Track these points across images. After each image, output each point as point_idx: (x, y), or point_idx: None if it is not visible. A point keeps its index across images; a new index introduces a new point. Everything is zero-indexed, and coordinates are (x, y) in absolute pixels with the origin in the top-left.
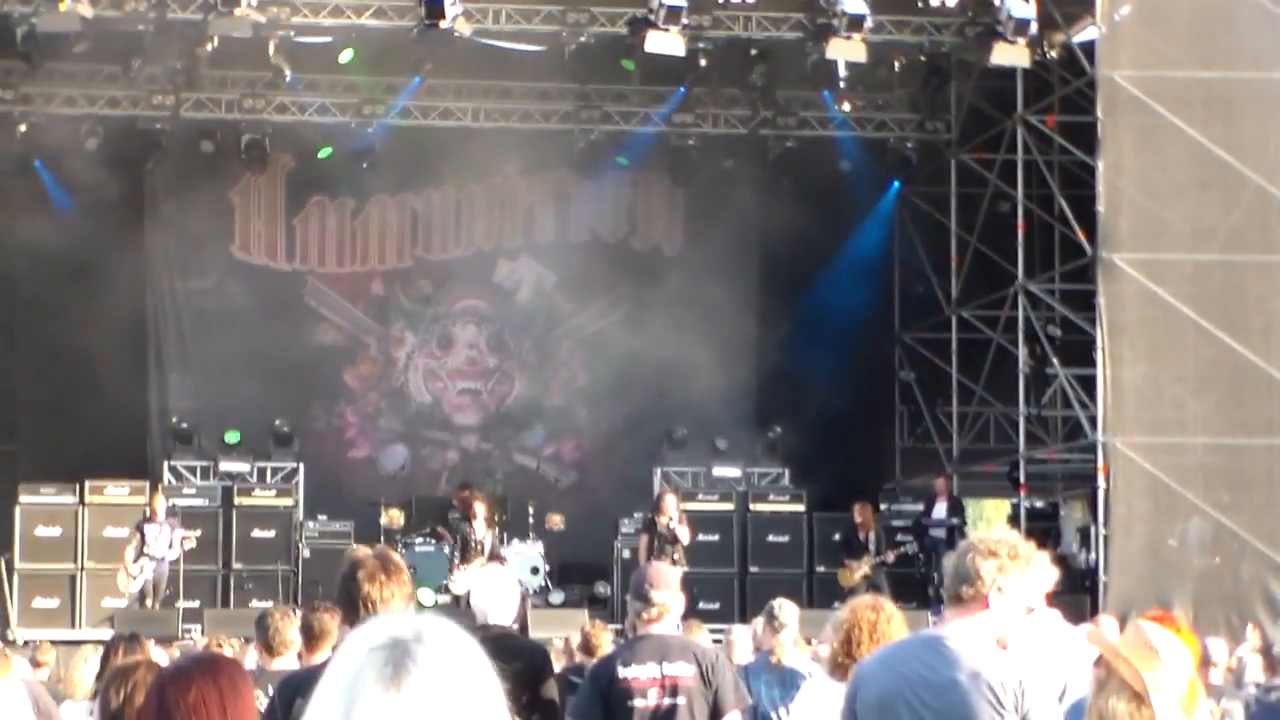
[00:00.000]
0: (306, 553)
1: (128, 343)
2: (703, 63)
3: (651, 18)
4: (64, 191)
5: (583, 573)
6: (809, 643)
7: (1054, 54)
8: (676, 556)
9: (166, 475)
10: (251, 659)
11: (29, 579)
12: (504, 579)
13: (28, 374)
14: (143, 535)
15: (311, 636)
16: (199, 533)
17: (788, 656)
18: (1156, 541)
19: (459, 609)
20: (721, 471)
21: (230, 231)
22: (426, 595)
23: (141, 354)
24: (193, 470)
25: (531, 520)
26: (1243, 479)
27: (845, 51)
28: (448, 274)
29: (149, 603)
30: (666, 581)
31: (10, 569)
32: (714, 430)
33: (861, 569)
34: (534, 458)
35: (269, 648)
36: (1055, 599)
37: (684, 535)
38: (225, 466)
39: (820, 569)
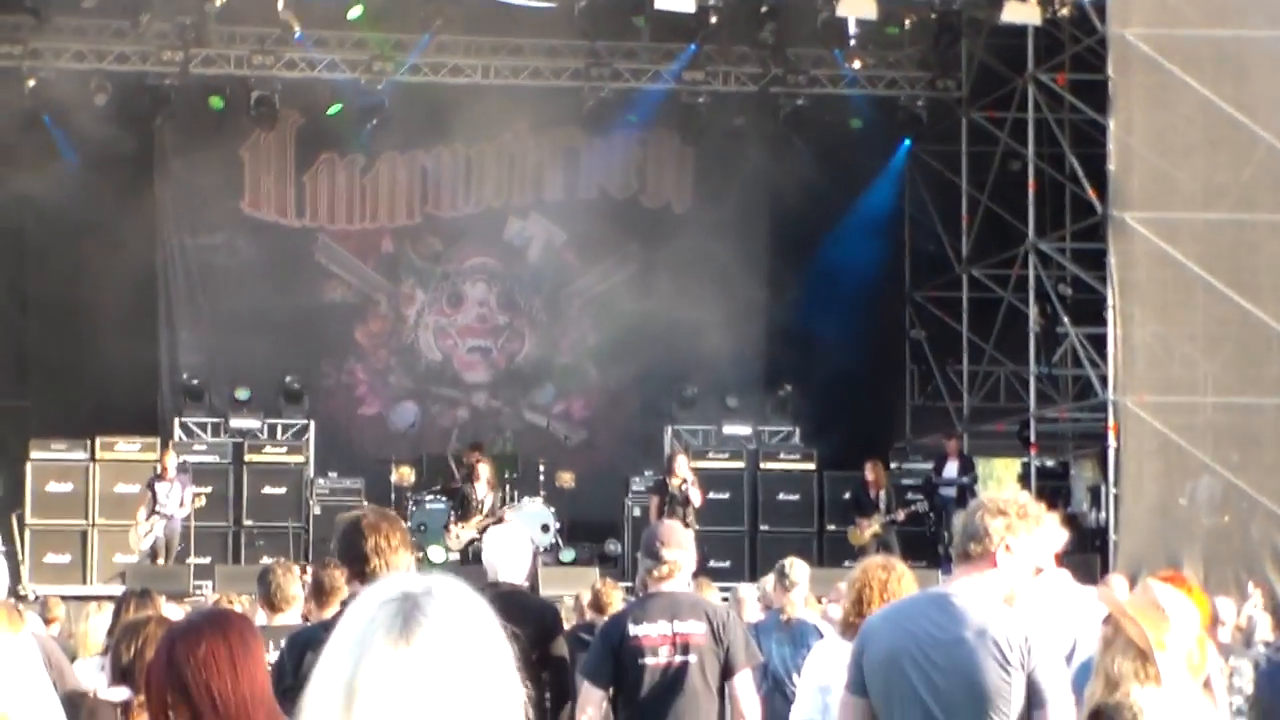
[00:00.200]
0: (317, 509)
1: (138, 299)
2: (713, 20)
3: None
4: (73, 147)
5: (593, 530)
6: (820, 601)
7: (1065, 11)
8: (688, 518)
9: (177, 432)
10: (262, 617)
11: (40, 535)
12: (515, 536)
13: (38, 330)
14: (154, 493)
15: (322, 593)
16: (210, 489)
17: (798, 615)
18: (1166, 501)
19: (463, 566)
20: (732, 430)
21: (240, 188)
22: (437, 552)
23: (152, 310)
24: (203, 427)
25: (542, 478)
26: (1253, 438)
27: (856, 8)
28: (457, 231)
29: (160, 560)
30: (678, 540)
31: (22, 525)
32: (724, 388)
33: (872, 527)
34: (544, 415)
35: (270, 603)
36: (1065, 558)
37: (695, 497)
38: (236, 423)
39: (830, 527)
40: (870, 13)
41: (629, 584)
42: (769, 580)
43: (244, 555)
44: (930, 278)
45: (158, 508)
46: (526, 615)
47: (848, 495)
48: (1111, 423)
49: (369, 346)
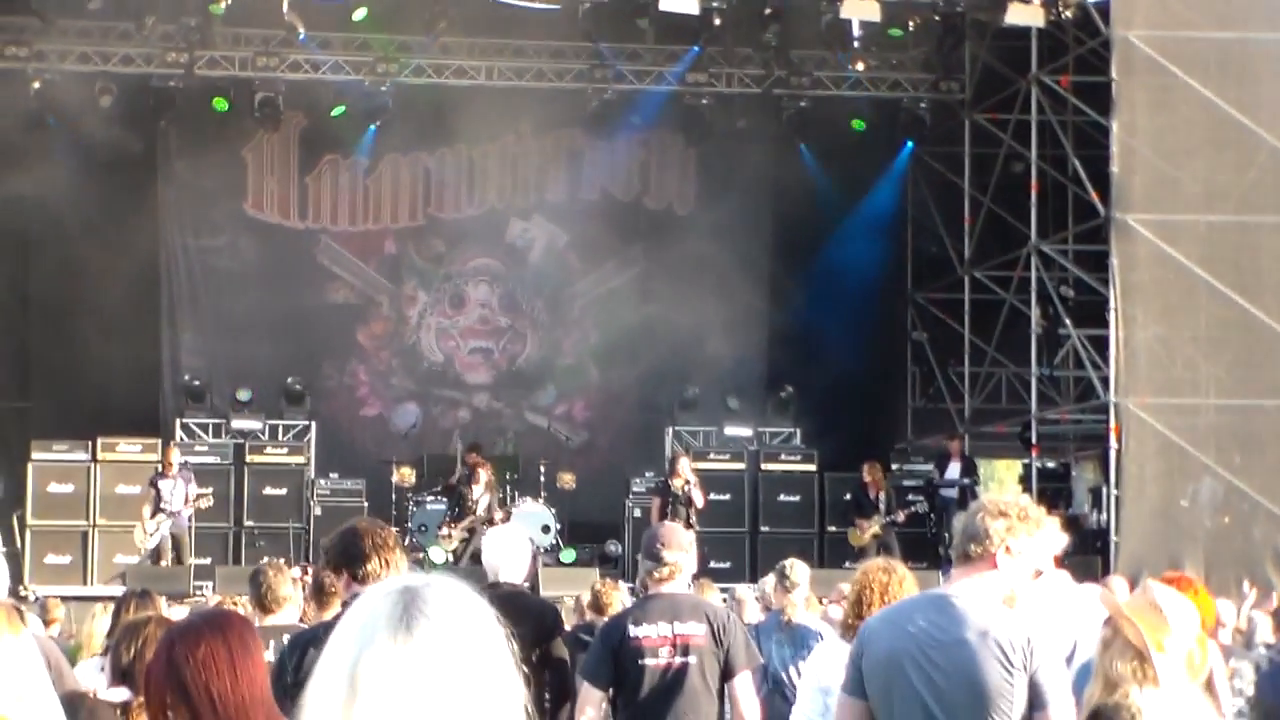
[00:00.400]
0: (318, 510)
1: (140, 300)
2: (716, 22)
3: None
4: (77, 149)
5: (593, 531)
6: (820, 602)
7: (1068, 14)
8: (691, 520)
9: (179, 432)
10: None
11: (41, 535)
12: (515, 537)
13: (40, 331)
14: (158, 490)
15: (322, 594)
16: (211, 490)
17: (799, 616)
18: (1168, 502)
19: (459, 567)
20: (733, 431)
21: (243, 189)
22: (438, 553)
23: (154, 311)
24: (205, 428)
25: (543, 479)
26: (1254, 440)
27: (859, 11)
28: (460, 233)
29: (165, 561)
30: (678, 541)
31: (23, 525)
32: (725, 389)
33: (872, 529)
34: (545, 417)
35: (262, 604)
36: (1066, 560)
37: (698, 499)
38: (237, 424)
39: (831, 529)
40: (873, 15)
41: (629, 585)
42: (769, 581)
43: (245, 556)
44: (932, 279)
45: (162, 505)
46: (527, 615)
47: (848, 496)
48: (1113, 424)
49: (371, 348)
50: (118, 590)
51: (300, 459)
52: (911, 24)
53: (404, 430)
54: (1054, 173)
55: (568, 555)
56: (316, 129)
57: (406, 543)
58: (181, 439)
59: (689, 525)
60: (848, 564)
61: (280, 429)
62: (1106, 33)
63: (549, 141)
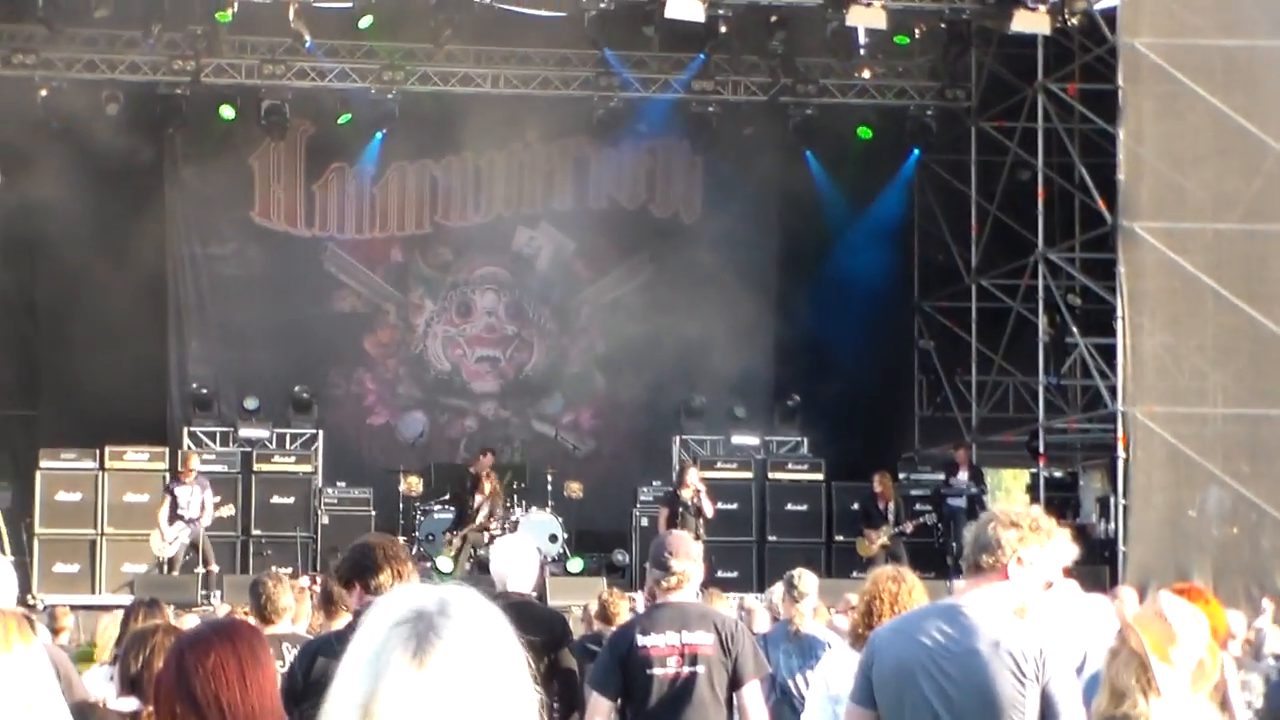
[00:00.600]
0: (325, 519)
1: (148, 308)
2: (723, 29)
3: None
4: (84, 157)
5: (601, 540)
6: (830, 612)
7: (1075, 21)
8: (699, 530)
9: (186, 441)
10: None
11: (49, 544)
12: (522, 546)
13: (48, 339)
14: (174, 497)
15: (331, 602)
16: (218, 499)
17: (807, 626)
18: (1176, 512)
19: (472, 575)
20: (740, 440)
21: (250, 198)
22: (445, 562)
23: (161, 320)
24: (212, 436)
25: (550, 488)
26: (1263, 449)
27: (865, 18)
28: (467, 241)
29: (176, 570)
30: (686, 550)
31: (31, 534)
32: (733, 398)
33: (880, 539)
34: (552, 425)
35: (262, 614)
36: (1074, 569)
37: (708, 508)
38: (245, 433)
39: (839, 538)
40: (880, 23)
41: (636, 594)
42: (777, 591)
43: (252, 565)
44: (939, 288)
45: (179, 511)
46: (535, 625)
47: (856, 506)
48: (1120, 433)
49: (378, 356)
50: (126, 599)
51: (307, 468)
52: (918, 31)
53: (411, 439)
54: (1061, 181)
55: (575, 564)
56: (323, 137)
57: (414, 552)
58: (189, 447)
59: (697, 535)
60: (855, 574)
61: (287, 437)
62: (1113, 40)
63: (555, 149)
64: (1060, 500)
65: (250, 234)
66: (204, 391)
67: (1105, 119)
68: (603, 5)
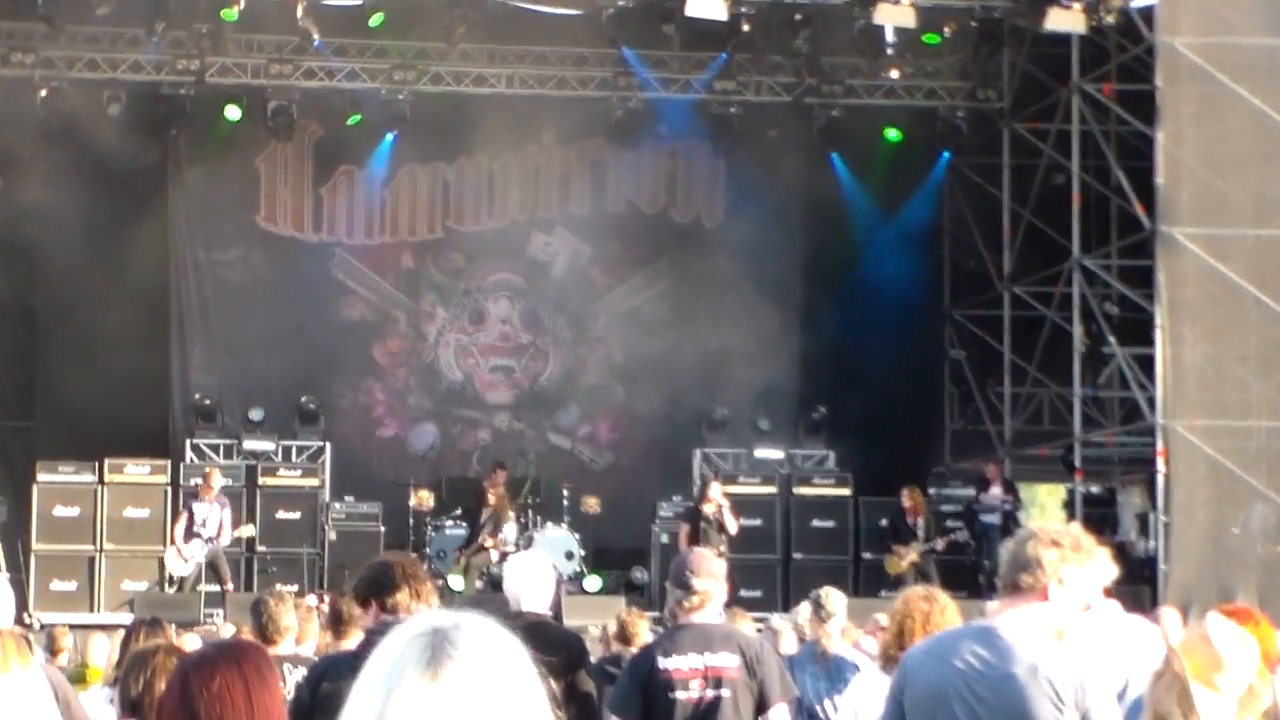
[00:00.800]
0: (333, 535)
1: (149, 316)
2: (745, 27)
3: None
4: (84, 159)
5: (619, 558)
6: (857, 631)
7: (1111, 19)
8: (722, 547)
9: (189, 453)
10: None
11: (46, 561)
12: (538, 564)
13: (45, 347)
14: (191, 513)
15: (340, 622)
16: (229, 512)
17: (835, 647)
18: (1218, 529)
19: (484, 594)
20: (764, 453)
21: (256, 201)
22: (458, 580)
23: (163, 327)
24: (215, 448)
25: (566, 503)
26: None
27: (893, 16)
28: (480, 246)
29: (187, 589)
30: (709, 568)
31: (27, 550)
32: (756, 410)
33: (910, 556)
34: (568, 438)
35: (264, 634)
36: (1113, 589)
37: (731, 525)
38: (249, 445)
39: (866, 556)
40: (908, 20)
41: (656, 614)
42: (804, 611)
43: (257, 582)
44: (970, 296)
45: (196, 529)
46: (551, 647)
47: (884, 522)
48: (1160, 447)
49: (388, 366)
50: (126, 618)
51: (314, 481)
52: (948, 30)
53: (422, 452)
54: (1097, 184)
55: (592, 583)
56: (331, 138)
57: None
58: (191, 460)
59: (719, 553)
60: (884, 593)
61: (293, 450)
62: (1150, 39)
63: (572, 152)
64: (1098, 517)
65: (256, 239)
66: (207, 402)
67: (1143, 121)
68: (621, 3)
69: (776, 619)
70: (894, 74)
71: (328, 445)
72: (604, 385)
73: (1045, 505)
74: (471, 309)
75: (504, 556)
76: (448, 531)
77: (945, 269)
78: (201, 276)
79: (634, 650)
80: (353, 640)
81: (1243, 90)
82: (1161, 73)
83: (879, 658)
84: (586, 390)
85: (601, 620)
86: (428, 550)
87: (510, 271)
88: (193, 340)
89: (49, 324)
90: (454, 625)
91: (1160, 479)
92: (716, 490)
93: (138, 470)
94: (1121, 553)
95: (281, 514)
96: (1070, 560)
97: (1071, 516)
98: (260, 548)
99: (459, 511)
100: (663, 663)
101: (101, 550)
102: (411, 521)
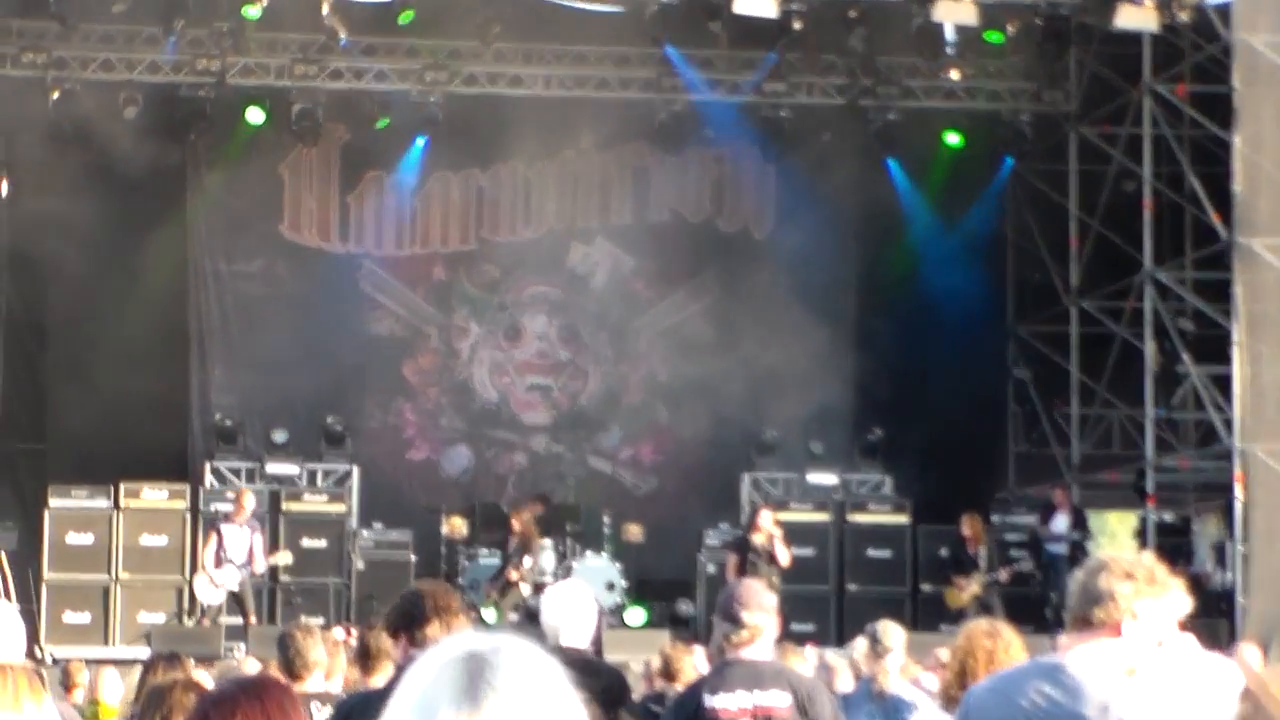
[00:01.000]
0: (360, 564)
1: (166, 331)
2: (797, 26)
3: None
4: (99, 165)
5: (663, 589)
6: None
7: (1185, 16)
8: (773, 579)
9: (209, 477)
10: None
11: (58, 591)
12: (579, 595)
13: (57, 365)
14: (220, 536)
15: (367, 657)
16: (259, 536)
17: (893, 685)
18: None
19: (521, 627)
20: (816, 478)
21: (279, 210)
22: (491, 614)
23: (182, 344)
24: (236, 472)
25: (607, 531)
26: None
27: (954, 14)
28: (516, 258)
29: (209, 619)
30: (759, 601)
31: (38, 580)
32: (808, 432)
33: (971, 588)
34: (610, 461)
35: (291, 670)
36: (1189, 624)
37: (783, 555)
38: (272, 468)
39: (925, 588)
40: (970, 18)
41: (703, 649)
42: (859, 646)
43: (280, 614)
44: (1036, 311)
45: (224, 555)
46: (591, 684)
47: (944, 552)
48: (1238, 472)
49: (418, 384)
50: (142, 652)
51: (341, 507)
52: (1011, 28)
53: (455, 476)
54: (1170, 192)
55: (635, 616)
56: (359, 143)
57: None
58: (211, 485)
59: (771, 585)
60: (943, 627)
61: (319, 474)
62: (1227, 37)
63: (613, 157)
64: (1171, 547)
65: (279, 249)
66: (228, 423)
67: (1219, 124)
68: None
69: (830, 655)
70: (954, 75)
71: (355, 469)
72: (647, 405)
73: (1115, 534)
74: (507, 324)
75: (538, 588)
76: (482, 561)
77: (1009, 282)
78: (222, 289)
79: (679, 688)
80: (382, 676)
81: None
82: (1239, 73)
83: (939, 696)
84: (628, 411)
85: (644, 655)
86: (461, 580)
87: (548, 284)
88: (212, 357)
89: (60, 340)
90: (492, 650)
91: (1238, 506)
92: (767, 519)
93: (155, 495)
94: (1197, 585)
95: (306, 542)
96: (1144, 594)
97: (1144, 546)
98: (284, 578)
99: (495, 540)
100: (709, 701)
101: (116, 580)
102: (444, 550)
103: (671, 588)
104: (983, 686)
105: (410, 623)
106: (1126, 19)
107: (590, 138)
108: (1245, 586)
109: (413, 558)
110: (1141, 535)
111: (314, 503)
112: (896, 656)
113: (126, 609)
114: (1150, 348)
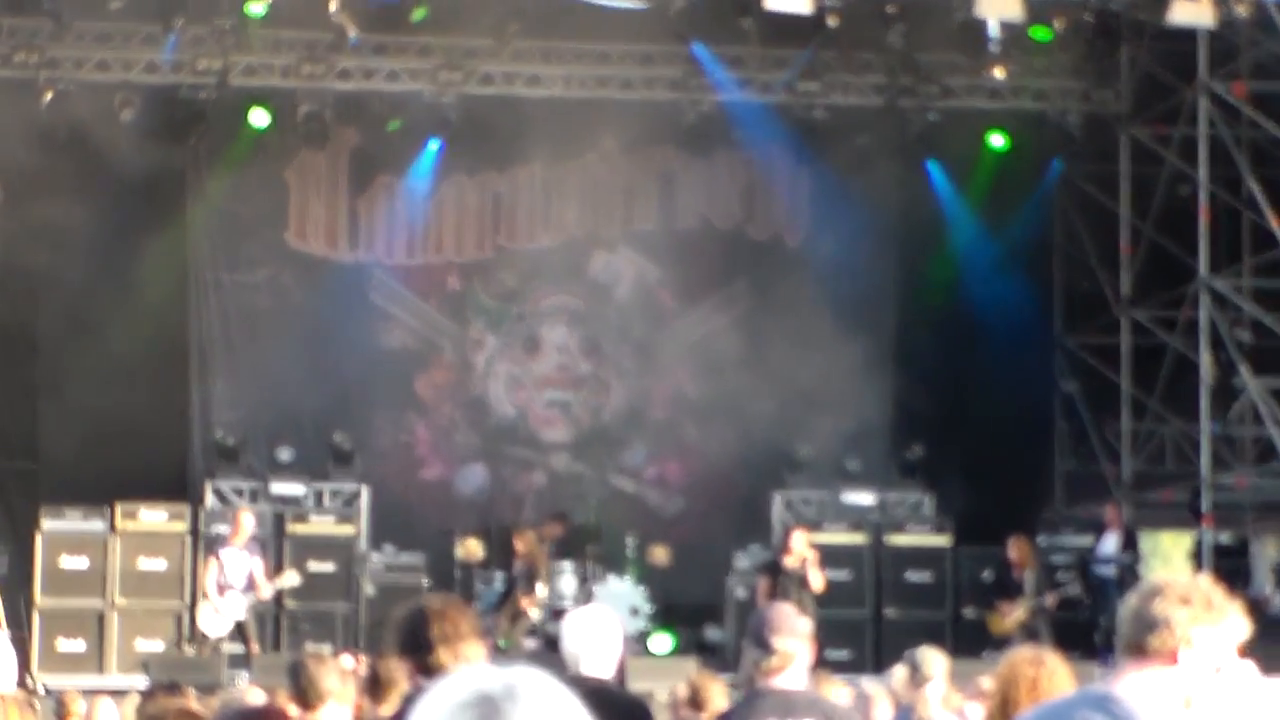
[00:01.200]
0: (370, 589)
1: (166, 345)
2: (832, 22)
3: None
4: (94, 171)
5: (690, 615)
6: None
7: (1242, 11)
8: (807, 604)
9: (209, 498)
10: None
11: (52, 617)
12: (602, 621)
13: (51, 381)
14: (219, 561)
15: (378, 686)
16: (259, 560)
17: (934, 714)
18: None
19: (540, 655)
20: (852, 498)
21: (284, 217)
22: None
23: (181, 358)
24: (239, 492)
25: (631, 553)
26: None
27: (998, 9)
28: (534, 267)
29: (208, 650)
30: (791, 626)
31: (30, 605)
32: (843, 449)
33: (1016, 613)
34: (634, 480)
35: (304, 700)
36: (1247, 650)
37: (817, 580)
38: (277, 488)
39: (967, 613)
40: (1015, 13)
41: (732, 677)
42: (899, 674)
43: (286, 641)
44: (1084, 321)
45: (224, 580)
46: (614, 714)
47: (987, 575)
48: None
49: (431, 400)
50: (140, 681)
51: (349, 529)
52: (1059, 24)
53: (470, 496)
54: (1226, 196)
55: (660, 643)
56: (369, 147)
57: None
58: (213, 505)
59: (804, 610)
60: (986, 654)
61: (326, 494)
62: None
63: (637, 161)
64: (1229, 568)
65: (284, 259)
66: (230, 441)
67: (1278, 124)
68: None
69: (868, 683)
70: (998, 73)
71: (364, 489)
72: (673, 422)
73: (1169, 555)
74: (525, 336)
75: (557, 613)
76: (498, 585)
77: (1056, 291)
78: (224, 300)
79: (707, 718)
80: (392, 706)
81: None
82: None
83: None
84: (653, 427)
85: (670, 684)
86: (476, 605)
87: (568, 295)
88: (214, 372)
89: (53, 354)
90: (505, 691)
91: None
92: (800, 540)
93: (153, 516)
94: (1255, 609)
95: (313, 565)
96: (1201, 620)
97: (1199, 568)
98: (290, 603)
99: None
100: None
101: (113, 606)
102: (458, 574)
103: (699, 613)
104: (1027, 717)
105: (415, 649)
106: (1181, 14)
107: (613, 140)
108: None
109: (425, 582)
110: (1197, 557)
111: (321, 524)
112: (938, 685)
113: (123, 636)
114: (1205, 359)
